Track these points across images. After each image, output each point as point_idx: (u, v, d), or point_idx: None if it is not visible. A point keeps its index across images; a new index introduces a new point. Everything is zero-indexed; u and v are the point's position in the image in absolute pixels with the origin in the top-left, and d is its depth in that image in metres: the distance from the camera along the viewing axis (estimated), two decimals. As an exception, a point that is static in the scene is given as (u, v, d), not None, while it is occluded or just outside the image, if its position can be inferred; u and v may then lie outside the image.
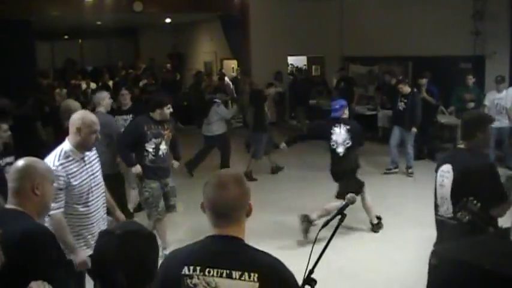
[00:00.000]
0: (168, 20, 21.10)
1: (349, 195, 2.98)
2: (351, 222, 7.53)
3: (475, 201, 3.34)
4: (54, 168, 4.06)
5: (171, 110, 6.88)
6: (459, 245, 2.12)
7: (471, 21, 12.62)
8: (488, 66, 12.94)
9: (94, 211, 4.53)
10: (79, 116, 4.40)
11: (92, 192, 4.50)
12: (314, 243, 2.72)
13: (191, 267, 2.35)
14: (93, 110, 7.12)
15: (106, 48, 24.70)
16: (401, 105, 10.98)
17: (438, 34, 13.68)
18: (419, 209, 8.34)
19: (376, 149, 12.79)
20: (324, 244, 2.72)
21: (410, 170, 10.97)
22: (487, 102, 11.25)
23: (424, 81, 12.16)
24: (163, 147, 6.76)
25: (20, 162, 3.20)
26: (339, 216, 2.88)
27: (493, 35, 12.67)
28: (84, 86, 17.44)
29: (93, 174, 4.53)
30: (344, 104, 7.76)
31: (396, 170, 11.26)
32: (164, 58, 23.21)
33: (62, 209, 4.22)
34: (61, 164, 4.23)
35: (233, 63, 20.32)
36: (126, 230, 2.40)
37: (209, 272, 2.33)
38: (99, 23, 20.43)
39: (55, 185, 3.70)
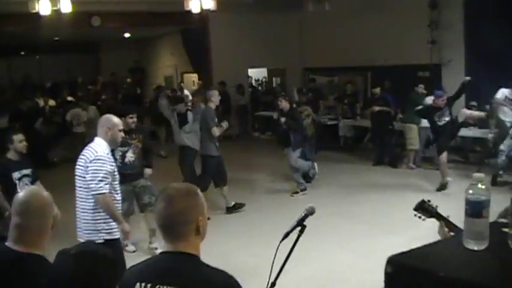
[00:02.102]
0: (127, 35, 20.96)
1: (308, 206, 2.98)
2: (317, 232, 7.55)
3: (430, 202, 3.34)
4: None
5: (135, 120, 7.16)
6: (414, 252, 2.13)
7: (427, 30, 12.87)
8: (445, 74, 13.19)
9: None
10: None
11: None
12: (275, 255, 2.71)
13: (143, 284, 2.28)
14: None
15: (65, 63, 24.37)
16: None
17: (396, 44, 13.92)
18: (385, 217, 8.43)
19: (337, 157, 12.92)
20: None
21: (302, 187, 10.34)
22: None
23: (377, 90, 12.36)
24: (130, 155, 6.94)
25: None
26: (299, 228, 2.88)
27: (449, 44, 12.95)
28: (41, 103, 17.12)
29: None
30: None
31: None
32: (126, 73, 23.05)
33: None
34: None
35: (194, 77, 20.28)
36: (81, 251, 2.35)
37: None
38: (56, 38, 20.17)
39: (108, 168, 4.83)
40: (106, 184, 4.80)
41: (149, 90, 21.13)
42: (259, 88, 21.09)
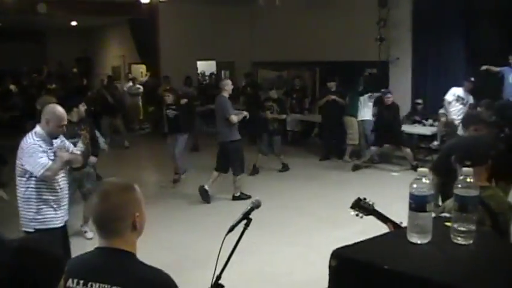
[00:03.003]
0: (74, 23, 20.56)
1: (255, 199, 2.96)
2: (264, 225, 7.56)
3: (367, 199, 3.43)
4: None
5: (85, 107, 7.46)
6: (358, 246, 2.14)
7: (376, 28, 13.03)
8: (392, 71, 13.39)
9: None
10: None
11: None
12: (220, 248, 2.68)
13: (75, 280, 2.22)
14: None
15: (8, 52, 23.71)
16: (171, 113, 10.61)
17: (345, 40, 14.05)
18: (331, 210, 8.49)
19: (285, 151, 12.98)
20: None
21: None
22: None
23: (332, 84, 12.47)
24: (80, 145, 6.91)
25: None
26: (245, 221, 2.86)
27: (396, 42, 13.14)
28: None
29: None
30: None
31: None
32: (73, 62, 22.61)
33: None
34: None
35: (142, 68, 20.05)
36: (25, 245, 2.27)
37: (91, 286, 2.19)
38: (-1, 24, 19.63)
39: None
40: (44, 163, 4.69)
41: (96, 80, 20.80)
42: (208, 81, 20.97)
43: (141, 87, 18.11)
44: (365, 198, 3.41)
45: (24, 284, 2.11)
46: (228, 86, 9.44)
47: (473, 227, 2.12)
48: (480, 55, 10.95)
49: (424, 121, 12.18)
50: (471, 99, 10.69)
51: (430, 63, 12.89)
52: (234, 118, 9.14)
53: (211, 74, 20.57)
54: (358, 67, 13.67)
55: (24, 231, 4.78)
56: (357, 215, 3.43)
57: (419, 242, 2.12)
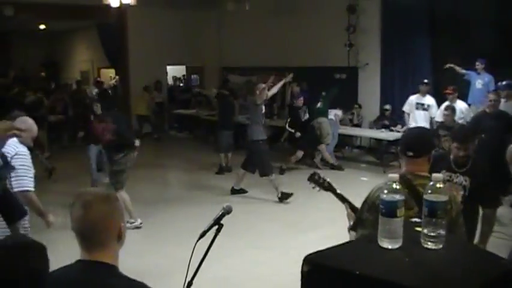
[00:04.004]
0: (42, 27, 20.32)
1: (225, 205, 2.95)
2: (233, 231, 7.54)
3: (322, 175, 3.74)
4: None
5: None
6: (330, 251, 2.15)
7: (345, 34, 13.15)
8: (361, 77, 13.53)
9: None
10: None
11: None
12: (192, 254, 2.67)
13: None
14: None
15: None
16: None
17: (314, 46, 14.16)
18: (299, 215, 8.53)
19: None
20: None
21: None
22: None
23: (297, 88, 12.68)
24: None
25: None
26: (216, 227, 2.86)
27: (365, 47, 13.28)
28: None
29: None
30: None
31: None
32: (38, 67, 22.30)
33: None
34: None
35: (111, 72, 19.91)
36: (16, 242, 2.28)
37: None
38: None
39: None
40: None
41: (64, 85, 20.55)
42: (178, 85, 20.93)
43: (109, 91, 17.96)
44: (320, 174, 3.74)
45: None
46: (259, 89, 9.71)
47: (443, 232, 2.15)
48: (446, 61, 11.10)
49: (392, 127, 12.27)
50: (431, 101, 10.78)
51: (398, 68, 13.07)
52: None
53: (181, 78, 20.62)
54: (327, 72, 13.77)
55: None
56: (313, 187, 3.74)
57: (390, 247, 2.14)
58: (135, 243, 7.39)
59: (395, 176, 2.24)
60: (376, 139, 12.37)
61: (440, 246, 2.14)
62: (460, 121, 9.61)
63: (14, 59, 23.54)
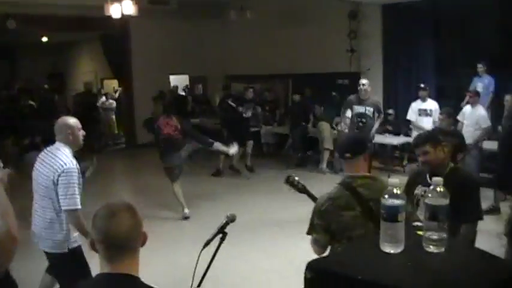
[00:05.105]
0: (45, 39, 20.38)
1: (229, 214, 2.97)
2: (238, 239, 7.53)
3: (296, 178, 4.02)
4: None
5: None
6: (333, 257, 2.17)
7: (347, 40, 13.17)
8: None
9: None
10: None
11: None
12: (197, 262, 2.69)
13: None
14: None
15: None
16: None
17: (316, 52, 14.17)
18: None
19: (261, 163, 13.05)
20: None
21: None
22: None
23: (297, 97, 12.82)
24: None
25: None
26: (220, 235, 2.88)
27: (367, 53, 13.30)
28: None
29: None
30: None
31: None
32: (43, 79, 22.34)
33: None
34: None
35: (114, 83, 19.95)
36: None
37: None
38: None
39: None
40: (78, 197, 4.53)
41: (68, 96, 20.63)
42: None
43: (114, 102, 18.09)
44: (295, 177, 4.03)
45: None
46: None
47: (444, 235, 2.16)
48: (448, 64, 11.09)
49: (395, 134, 12.21)
50: (434, 105, 10.68)
51: (400, 73, 13.07)
52: None
53: (184, 88, 20.59)
54: (329, 78, 13.79)
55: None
56: (289, 189, 4.06)
57: (392, 251, 2.15)
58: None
59: (396, 180, 2.26)
60: (380, 144, 12.31)
61: (443, 249, 2.15)
62: (476, 128, 9.49)
63: (19, 71, 23.65)
